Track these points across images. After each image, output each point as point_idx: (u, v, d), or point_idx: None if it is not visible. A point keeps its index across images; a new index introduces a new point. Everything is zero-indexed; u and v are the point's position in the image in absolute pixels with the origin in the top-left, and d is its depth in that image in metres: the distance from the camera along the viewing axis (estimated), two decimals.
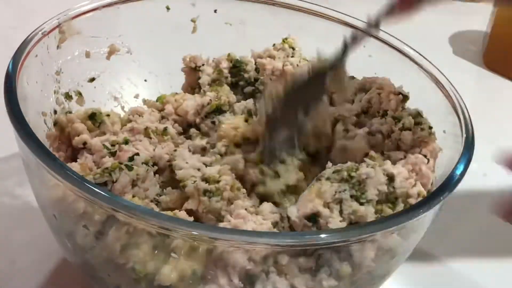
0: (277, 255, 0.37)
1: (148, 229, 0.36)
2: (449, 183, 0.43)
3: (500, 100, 0.92)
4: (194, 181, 0.46)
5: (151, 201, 0.46)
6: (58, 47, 0.54)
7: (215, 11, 0.64)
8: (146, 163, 0.47)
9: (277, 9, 0.64)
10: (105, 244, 0.40)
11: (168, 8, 0.62)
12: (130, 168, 0.45)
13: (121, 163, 0.45)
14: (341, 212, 0.43)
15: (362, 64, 0.59)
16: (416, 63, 0.56)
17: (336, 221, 0.42)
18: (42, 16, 0.51)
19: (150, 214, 0.35)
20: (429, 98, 0.54)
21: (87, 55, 0.58)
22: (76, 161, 0.49)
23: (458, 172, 0.44)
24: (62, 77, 0.55)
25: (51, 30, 0.52)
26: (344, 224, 0.43)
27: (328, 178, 0.45)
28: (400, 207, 0.45)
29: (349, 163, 0.47)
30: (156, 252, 0.38)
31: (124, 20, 0.60)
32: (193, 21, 0.64)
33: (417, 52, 0.55)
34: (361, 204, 0.44)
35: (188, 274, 0.39)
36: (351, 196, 0.44)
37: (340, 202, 0.43)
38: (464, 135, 0.48)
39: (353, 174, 0.45)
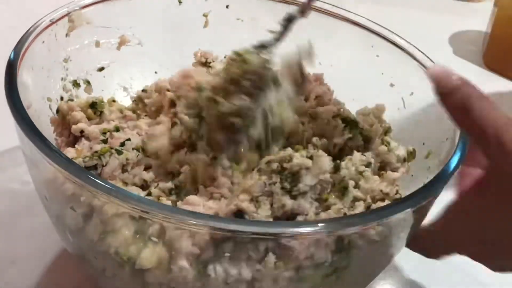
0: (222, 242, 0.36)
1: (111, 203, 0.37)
2: (442, 176, 0.41)
3: (500, 100, 0.89)
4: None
5: (141, 187, 0.46)
6: (67, 35, 0.55)
7: (227, 6, 0.64)
8: (137, 149, 0.47)
9: (290, 7, 0.64)
10: (90, 227, 0.40)
11: (180, 2, 0.63)
12: (119, 153, 0.45)
13: (112, 148, 0.46)
14: (272, 205, 0.41)
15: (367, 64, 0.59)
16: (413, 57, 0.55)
17: (262, 217, 0.41)
18: (42, 16, 0.52)
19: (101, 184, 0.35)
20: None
21: (97, 44, 0.59)
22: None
23: (453, 164, 0.42)
24: (70, 64, 0.56)
25: (60, 18, 0.53)
26: (270, 219, 0.41)
27: (259, 170, 0.43)
28: (349, 197, 0.44)
29: (282, 153, 0.44)
30: (136, 235, 0.39)
31: (135, 12, 0.61)
32: (205, 15, 0.64)
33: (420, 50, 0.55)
34: (294, 196, 0.42)
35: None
36: (282, 188, 0.42)
37: (271, 195, 0.42)
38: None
39: (285, 165, 0.43)
